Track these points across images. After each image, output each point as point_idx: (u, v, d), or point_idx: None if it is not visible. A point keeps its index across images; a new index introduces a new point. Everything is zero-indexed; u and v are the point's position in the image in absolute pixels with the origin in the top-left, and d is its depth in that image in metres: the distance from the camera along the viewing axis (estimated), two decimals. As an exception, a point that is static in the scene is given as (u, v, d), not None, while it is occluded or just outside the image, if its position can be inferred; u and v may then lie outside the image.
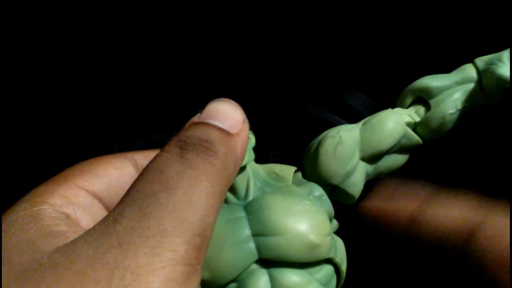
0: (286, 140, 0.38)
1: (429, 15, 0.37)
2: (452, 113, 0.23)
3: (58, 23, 0.38)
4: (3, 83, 0.38)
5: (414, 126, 0.24)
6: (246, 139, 0.19)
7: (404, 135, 0.24)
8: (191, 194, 0.16)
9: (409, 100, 0.25)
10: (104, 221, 0.15)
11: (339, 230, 0.23)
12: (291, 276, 0.19)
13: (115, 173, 0.20)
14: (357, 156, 0.23)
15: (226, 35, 0.39)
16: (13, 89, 0.39)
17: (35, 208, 0.17)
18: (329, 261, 0.21)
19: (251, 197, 0.21)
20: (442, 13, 0.37)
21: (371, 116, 0.24)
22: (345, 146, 0.22)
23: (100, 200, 0.20)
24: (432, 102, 0.24)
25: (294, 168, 0.24)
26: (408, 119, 0.24)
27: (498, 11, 0.35)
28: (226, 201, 0.21)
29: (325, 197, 0.22)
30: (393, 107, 0.27)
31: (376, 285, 0.26)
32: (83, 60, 0.40)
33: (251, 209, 0.20)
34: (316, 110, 0.38)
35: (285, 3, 0.38)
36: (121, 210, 0.15)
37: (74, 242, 0.15)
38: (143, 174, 0.16)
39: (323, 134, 0.24)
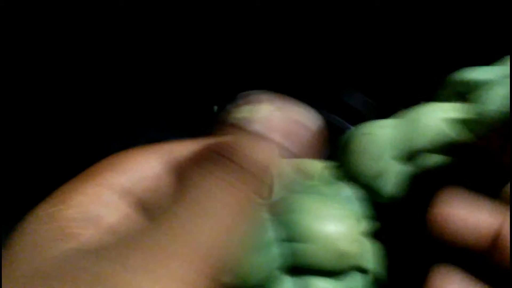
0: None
1: (429, 15, 0.37)
2: (496, 110, 0.20)
3: (60, 24, 0.38)
4: (6, 84, 0.38)
5: (457, 123, 0.21)
6: (275, 146, 0.18)
7: (445, 132, 0.21)
8: (218, 219, 0.15)
9: (450, 93, 0.23)
10: (120, 238, 0.15)
11: (380, 233, 0.21)
12: (319, 284, 0.18)
13: (140, 168, 0.19)
14: (389, 154, 0.21)
15: (226, 35, 0.39)
16: (15, 89, 0.39)
17: (53, 209, 0.17)
18: (362, 269, 0.19)
19: (275, 196, 0.20)
20: (442, 13, 0.37)
21: (408, 110, 0.22)
22: (377, 143, 0.21)
23: (125, 197, 0.19)
24: (474, 96, 0.21)
25: (322, 164, 0.22)
26: (449, 115, 0.21)
27: (498, 11, 0.35)
28: None
29: (356, 198, 0.20)
30: (393, 107, 0.26)
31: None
32: (85, 60, 0.40)
33: (276, 211, 0.19)
34: (316, 110, 0.37)
35: (286, 4, 0.38)
36: (139, 230, 0.15)
37: (86, 251, 0.15)
38: (180, 190, 0.16)
39: (354, 129, 0.22)
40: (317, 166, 0.22)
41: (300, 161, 0.22)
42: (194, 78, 0.40)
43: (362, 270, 0.19)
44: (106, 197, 0.18)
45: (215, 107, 0.39)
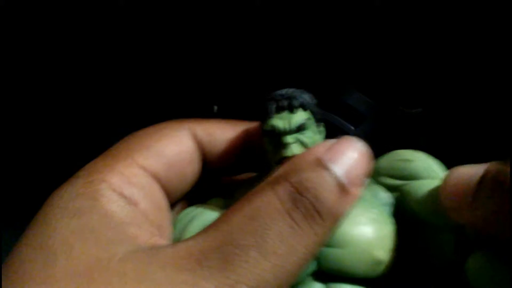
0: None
1: (429, 15, 0.37)
2: None
3: (60, 24, 0.38)
4: (6, 84, 0.38)
5: None
6: (358, 197, 0.17)
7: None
8: (283, 265, 0.15)
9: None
10: (187, 252, 0.15)
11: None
12: None
13: (175, 150, 0.19)
14: (400, 183, 0.20)
15: (226, 35, 0.39)
16: (15, 89, 0.39)
17: (94, 188, 0.16)
18: None
19: None
20: (442, 13, 0.37)
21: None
22: (406, 167, 0.19)
23: (158, 180, 0.18)
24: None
25: None
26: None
27: (497, 11, 0.35)
28: None
29: (392, 203, 0.19)
30: (393, 107, 0.26)
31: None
32: (85, 60, 0.40)
33: None
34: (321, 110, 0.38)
35: (285, 4, 0.38)
36: (207, 251, 0.15)
37: (150, 256, 0.15)
38: (243, 211, 0.15)
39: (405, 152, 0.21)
40: None
41: None
42: (194, 78, 0.40)
43: None
44: (139, 178, 0.17)
45: (215, 107, 0.39)
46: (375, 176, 0.20)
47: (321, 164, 0.16)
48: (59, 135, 0.40)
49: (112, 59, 0.40)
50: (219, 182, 0.22)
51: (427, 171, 0.19)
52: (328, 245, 0.17)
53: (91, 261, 0.14)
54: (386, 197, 0.20)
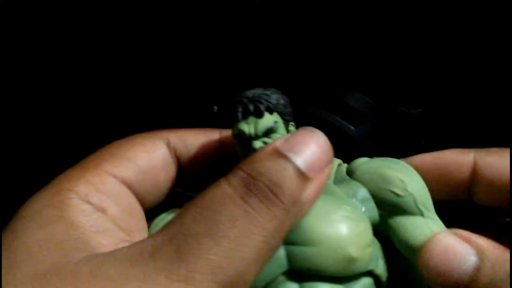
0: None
1: (430, 15, 0.37)
2: None
3: (60, 24, 0.38)
4: (6, 84, 0.38)
5: None
6: (321, 186, 0.17)
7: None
8: (237, 248, 0.14)
9: None
10: (141, 248, 0.15)
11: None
12: None
13: (146, 156, 0.19)
14: (386, 214, 0.20)
15: (226, 35, 0.39)
16: (15, 89, 0.39)
17: (61, 198, 0.16)
18: (369, 272, 0.18)
19: None
20: (442, 13, 0.37)
21: None
22: (395, 201, 0.19)
23: (129, 186, 0.18)
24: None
25: (338, 161, 0.21)
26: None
27: (497, 11, 0.35)
28: None
29: (371, 201, 0.19)
30: (393, 107, 0.26)
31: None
32: (85, 60, 0.40)
33: None
34: (316, 110, 0.37)
35: (286, 4, 0.38)
36: (160, 243, 0.14)
37: (104, 257, 0.15)
38: (196, 204, 0.15)
39: (406, 169, 0.20)
40: (334, 163, 0.21)
41: None
42: (194, 78, 0.40)
43: (365, 274, 0.18)
44: (108, 186, 0.18)
45: (215, 107, 0.39)
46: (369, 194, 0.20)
47: (278, 153, 0.16)
48: (59, 135, 0.40)
49: (112, 59, 0.40)
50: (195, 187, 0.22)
51: (413, 209, 0.19)
52: (301, 243, 0.17)
53: (49, 266, 0.14)
54: (362, 193, 0.19)
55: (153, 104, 0.40)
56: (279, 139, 0.17)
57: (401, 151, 0.41)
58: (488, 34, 0.36)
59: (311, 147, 0.16)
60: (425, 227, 0.19)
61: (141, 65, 0.40)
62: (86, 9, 0.38)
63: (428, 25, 0.37)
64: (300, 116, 0.40)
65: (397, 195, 0.19)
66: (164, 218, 0.20)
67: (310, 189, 0.16)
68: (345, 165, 0.21)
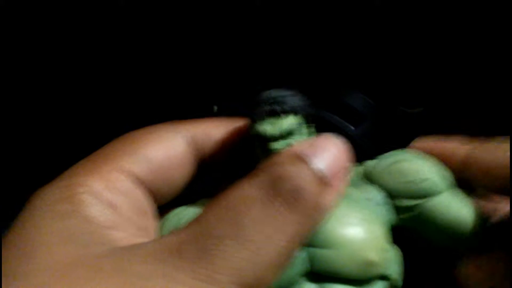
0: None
1: (430, 15, 0.37)
2: None
3: (60, 24, 0.38)
4: (6, 84, 0.38)
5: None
6: (341, 192, 0.17)
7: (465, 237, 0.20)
8: (260, 252, 0.14)
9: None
10: (164, 245, 0.15)
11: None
12: None
13: (162, 152, 0.19)
14: (418, 202, 0.20)
15: (226, 35, 0.39)
16: (15, 89, 0.39)
17: (73, 192, 0.16)
18: (384, 277, 0.19)
19: None
20: (442, 13, 0.37)
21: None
22: (423, 187, 0.20)
23: (142, 183, 0.18)
24: None
25: (354, 166, 0.21)
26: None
27: (497, 11, 0.35)
28: None
29: (388, 205, 0.20)
30: (393, 107, 0.26)
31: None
32: (85, 60, 0.40)
33: None
34: (316, 110, 0.37)
35: (285, 4, 0.38)
36: (183, 242, 0.15)
37: (125, 253, 0.15)
38: (220, 204, 0.15)
39: (417, 157, 0.21)
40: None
41: None
42: (194, 78, 0.40)
43: (382, 278, 0.19)
44: (121, 183, 0.17)
45: (215, 107, 0.39)
46: (389, 197, 0.20)
47: (300, 158, 0.16)
48: (59, 135, 0.40)
49: (112, 59, 0.40)
50: (215, 183, 0.21)
51: (440, 186, 0.20)
52: (320, 246, 0.17)
53: (69, 258, 0.14)
54: (379, 198, 0.20)
55: (153, 104, 0.40)
56: (300, 143, 0.17)
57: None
58: (488, 34, 0.36)
59: (331, 152, 0.17)
60: (457, 200, 0.20)
61: (141, 65, 0.40)
62: (86, 8, 0.38)
63: (428, 25, 0.37)
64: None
65: (423, 180, 0.20)
66: (179, 213, 0.19)
67: (330, 194, 0.16)
68: (359, 168, 0.21)
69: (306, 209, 0.15)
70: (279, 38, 0.39)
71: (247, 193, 0.15)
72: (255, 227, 0.14)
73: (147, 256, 0.14)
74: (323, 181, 0.16)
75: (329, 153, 0.17)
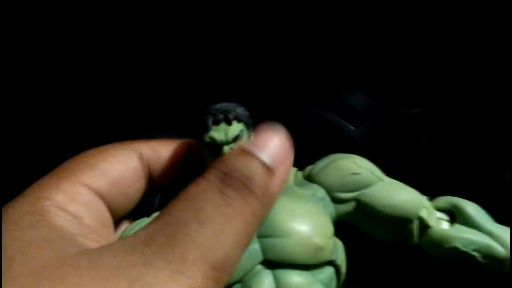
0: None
1: (429, 15, 0.37)
2: (458, 248, 0.21)
3: (60, 24, 0.38)
4: (6, 84, 0.38)
5: (423, 225, 0.22)
6: (286, 177, 0.19)
7: (406, 221, 0.21)
8: (221, 232, 0.16)
9: (442, 204, 0.23)
10: (135, 239, 0.16)
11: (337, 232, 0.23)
12: (295, 277, 0.19)
13: (119, 168, 0.20)
14: (355, 194, 0.22)
15: (226, 35, 0.39)
16: (15, 89, 0.39)
17: (41, 205, 0.17)
18: (330, 262, 0.21)
19: None
20: (442, 13, 0.37)
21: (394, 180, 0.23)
22: (357, 179, 0.22)
23: (102, 197, 0.19)
24: (457, 224, 0.22)
25: (295, 169, 0.24)
26: (425, 214, 0.21)
27: (497, 11, 0.35)
28: None
29: (328, 199, 0.22)
30: (392, 107, 0.27)
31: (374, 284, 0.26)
32: (85, 60, 0.40)
33: None
34: (316, 110, 0.38)
35: (286, 4, 0.38)
36: (152, 232, 0.16)
37: (100, 250, 0.16)
38: (180, 198, 0.17)
39: (350, 155, 0.23)
40: (291, 170, 0.23)
41: None
42: (194, 79, 0.40)
43: (329, 263, 0.21)
44: (84, 196, 0.19)
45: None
46: (329, 192, 0.22)
47: (246, 152, 0.18)
48: (59, 135, 0.40)
49: (112, 60, 0.40)
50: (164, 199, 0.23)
51: (372, 179, 0.22)
52: (271, 235, 0.19)
53: (46, 261, 0.15)
54: (320, 193, 0.22)
55: (153, 105, 0.40)
56: (245, 141, 0.19)
57: (401, 151, 0.41)
58: (488, 34, 0.36)
59: (273, 143, 0.19)
60: (390, 187, 0.22)
61: (141, 66, 0.40)
62: (86, 8, 0.38)
63: (428, 25, 0.37)
64: (300, 116, 0.40)
65: (356, 173, 0.22)
66: (140, 223, 0.21)
67: (277, 181, 0.18)
68: (301, 172, 0.24)
69: (257, 194, 0.17)
70: (280, 38, 0.39)
71: (204, 184, 0.17)
72: (214, 210, 0.16)
73: (119, 250, 0.16)
74: (269, 169, 0.18)
75: (272, 144, 0.18)
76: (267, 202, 0.18)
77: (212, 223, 0.16)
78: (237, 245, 0.16)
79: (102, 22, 0.39)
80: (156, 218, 0.17)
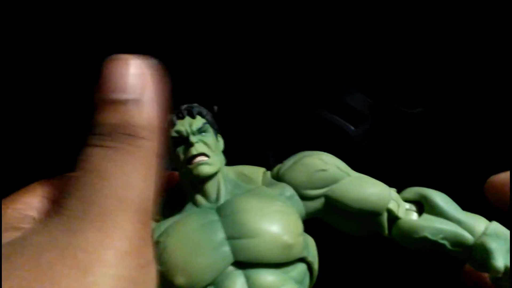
0: (286, 139, 0.38)
1: (429, 15, 0.37)
2: (427, 237, 0.21)
3: (60, 24, 0.38)
4: (6, 84, 0.38)
5: (392, 217, 0.22)
6: (157, 98, 0.18)
7: (375, 214, 0.22)
8: (125, 176, 0.16)
9: (410, 195, 0.23)
10: (48, 214, 0.17)
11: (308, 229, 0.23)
12: (267, 276, 0.20)
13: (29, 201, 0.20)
14: (324, 191, 0.22)
15: (227, 35, 0.39)
16: (15, 89, 0.39)
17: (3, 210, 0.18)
18: (302, 259, 0.21)
19: (222, 200, 0.22)
20: (442, 13, 0.37)
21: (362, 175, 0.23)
22: (324, 176, 0.22)
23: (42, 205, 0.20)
24: (425, 214, 0.22)
25: (263, 169, 0.24)
26: (394, 206, 0.22)
27: (497, 11, 0.35)
28: (197, 205, 0.22)
29: (296, 197, 0.22)
30: (392, 107, 0.27)
31: (348, 282, 0.26)
32: (85, 60, 0.40)
33: (224, 212, 0.21)
34: (316, 110, 0.38)
35: (286, 4, 0.38)
36: (62, 202, 0.16)
37: (24, 233, 0.16)
38: (76, 170, 0.17)
39: (317, 152, 0.24)
40: (259, 171, 0.24)
41: (243, 167, 0.24)
42: (194, 78, 0.40)
43: (300, 260, 0.21)
44: (43, 204, 0.19)
45: (215, 107, 0.39)
46: (297, 190, 0.22)
47: (111, 102, 0.17)
48: (59, 135, 0.40)
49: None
50: None
51: (340, 174, 0.22)
52: (241, 236, 0.20)
53: None
54: (288, 192, 0.22)
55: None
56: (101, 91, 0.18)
57: (401, 151, 0.41)
58: (488, 34, 0.36)
59: (125, 76, 0.18)
60: (358, 182, 0.22)
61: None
62: (86, 8, 0.38)
63: (427, 26, 0.37)
64: (300, 116, 0.40)
65: (324, 170, 0.22)
66: None
67: (148, 108, 0.18)
68: (269, 172, 0.24)
69: (144, 137, 0.17)
70: (280, 38, 0.39)
71: (88, 149, 0.17)
72: (111, 165, 0.16)
73: (44, 228, 0.16)
74: (136, 103, 0.17)
75: (123, 77, 0.18)
76: (151, 131, 0.17)
77: (113, 173, 0.16)
78: (146, 183, 0.17)
79: (102, 17, 0.39)
80: (62, 191, 0.17)
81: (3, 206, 0.19)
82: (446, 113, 0.38)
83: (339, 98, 0.38)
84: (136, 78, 0.18)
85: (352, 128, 0.37)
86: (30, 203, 0.19)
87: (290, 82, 0.39)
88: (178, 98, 0.42)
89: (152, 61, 0.19)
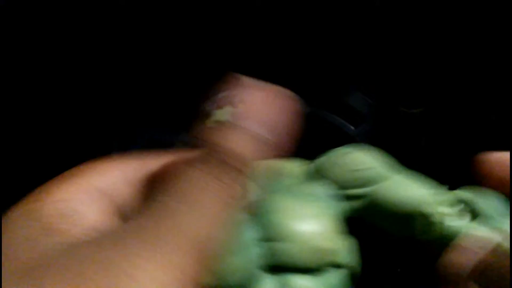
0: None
1: (429, 15, 0.37)
2: None
3: (60, 24, 0.38)
4: (6, 84, 0.38)
5: (433, 221, 0.21)
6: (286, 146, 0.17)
7: (418, 217, 0.20)
8: (208, 217, 0.15)
9: (456, 198, 0.22)
10: (118, 229, 0.16)
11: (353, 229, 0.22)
12: (301, 282, 0.19)
13: (117, 174, 0.19)
14: (367, 190, 0.21)
15: (226, 35, 0.39)
16: (15, 89, 0.39)
17: (36, 205, 0.17)
18: (340, 265, 0.20)
19: (253, 197, 0.20)
20: (442, 14, 0.37)
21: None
22: (369, 174, 0.21)
23: (103, 197, 0.19)
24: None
25: (297, 164, 0.23)
26: (436, 210, 0.20)
27: (497, 11, 0.35)
28: None
29: (337, 196, 0.21)
30: (392, 107, 0.27)
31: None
32: (85, 60, 0.40)
33: (255, 212, 0.19)
34: (316, 110, 0.37)
35: (286, 3, 0.38)
36: (132, 213, 0.15)
37: (77, 242, 0.15)
38: (169, 186, 0.16)
39: (360, 149, 0.22)
40: (293, 166, 0.23)
41: (276, 161, 0.22)
42: (194, 78, 0.40)
43: (338, 266, 0.20)
44: (85, 195, 0.18)
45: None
46: (339, 188, 0.21)
47: (233, 125, 0.17)
48: (59, 135, 0.40)
49: (112, 59, 0.40)
50: None
51: (384, 174, 0.21)
52: (274, 239, 0.19)
53: (26, 262, 0.15)
54: (330, 190, 0.21)
55: (153, 104, 0.40)
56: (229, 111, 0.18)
57: (401, 151, 0.41)
58: (488, 34, 0.36)
59: (266, 108, 0.17)
60: (402, 182, 0.21)
61: (141, 65, 0.40)
62: (86, 8, 0.38)
63: (428, 25, 0.37)
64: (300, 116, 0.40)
65: (366, 169, 0.21)
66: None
67: (245, 144, 0.17)
68: (305, 167, 0.23)
69: (231, 160, 0.16)
70: (280, 37, 0.39)
71: (188, 168, 0.16)
72: (193, 186, 0.16)
73: (107, 241, 0.15)
74: (266, 141, 0.17)
75: (268, 112, 0.17)
76: (243, 168, 0.17)
77: (204, 210, 0.15)
78: (221, 225, 0.16)
79: (102, 17, 0.39)
80: (144, 207, 0.16)
81: (37, 196, 0.17)
82: (446, 113, 0.38)
83: (339, 98, 0.38)
84: (275, 112, 0.17)
85: (352, 128, 0.37)
86: (72, 192, 0.18)
87: (290, 82, 0.39)
88: (179, 97, 0.42)
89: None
